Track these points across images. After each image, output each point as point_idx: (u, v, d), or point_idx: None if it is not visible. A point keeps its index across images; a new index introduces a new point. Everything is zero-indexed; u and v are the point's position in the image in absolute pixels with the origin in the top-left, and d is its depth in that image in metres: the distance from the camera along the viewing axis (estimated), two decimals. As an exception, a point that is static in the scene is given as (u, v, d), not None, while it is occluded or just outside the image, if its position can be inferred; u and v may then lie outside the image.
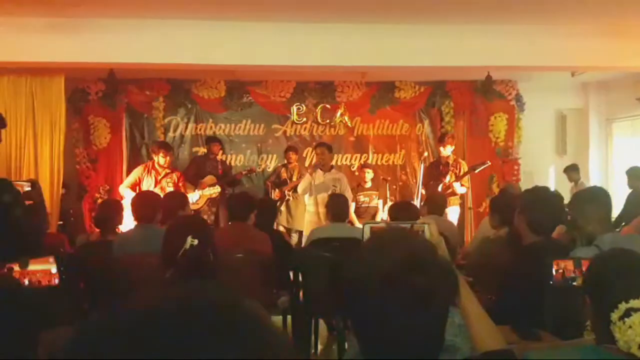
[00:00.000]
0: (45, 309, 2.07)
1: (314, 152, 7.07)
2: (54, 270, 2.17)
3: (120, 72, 6.74)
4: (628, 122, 8.58)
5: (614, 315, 1.46)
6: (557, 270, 2.53)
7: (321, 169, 6.41)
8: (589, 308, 1.62)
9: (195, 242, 1.97)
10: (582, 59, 6.38)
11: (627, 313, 1.44)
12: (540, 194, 3.03)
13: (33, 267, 2.15)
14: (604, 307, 1.51)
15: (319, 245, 4.47)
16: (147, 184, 6.34)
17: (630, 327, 1.42)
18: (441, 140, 6.94)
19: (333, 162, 7.06)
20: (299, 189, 6.57)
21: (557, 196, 2.94)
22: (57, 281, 2.16)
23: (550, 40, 6.15)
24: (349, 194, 6.45)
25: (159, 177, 6.44)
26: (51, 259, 2.19)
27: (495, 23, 6.02)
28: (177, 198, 4.54)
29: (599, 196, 3.36)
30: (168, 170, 6.52)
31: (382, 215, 7.26)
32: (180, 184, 6.54)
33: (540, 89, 7.97)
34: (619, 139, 8.79)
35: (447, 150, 6.80)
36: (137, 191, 6.09)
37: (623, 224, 6.19)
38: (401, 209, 4.56)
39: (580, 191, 3.59)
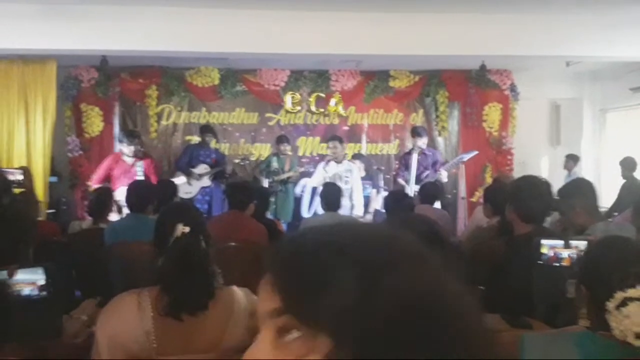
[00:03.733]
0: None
1: (324, 145, 7.47)
2: (41, 282, 2.11)
3: (113, 60, 6.68)
4: (622, 112, 8.59)
5: (610, 304, 1.46)
6: (545, 250, 2.54)
7: (335, 161, 6.68)
8: (584, 295, 1.62)
9: (187, 229, 1.96)
10: (577, 48, 6.38)
11: (624, 302, 1.44)
12: (529, 183, 3.04)
13: (21, 277, 2.09)
14: (600, 295, 1.51)
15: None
16: (117, 175, 6.29)
17: (627, 316, 1.42)
18: (415, 133, 7.00)
19: (325, 152, 7.15)
20: (313, 180, 6.72)
21: (545, 184, 2.93)
22: (45, 294, 2.10)
23: (545, 29, 6.15)
24: (358, 184, 6.58)
25: (129, 167, 6.37)
26: (40, 270, 2.12)
27: (490, 12, 6.00)
28: (169, 186, 4.52)
29: (583, 188, 3.39)
30: (134, 158, 6.41)
31: (376, 205, 7.27)
32: (151, 172, 6.48)
33: (534, 79, 7.98)
34: (613, 129, 8.81)
35: (421, 142, 6.88)
36: (110, 183, 6.12)
37: (615, 213, 6.22)
38: (395, 200, 4.56)
39: (565, 185, 3.62)
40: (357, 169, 6.94)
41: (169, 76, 7.73)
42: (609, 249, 1.65)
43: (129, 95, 7.76)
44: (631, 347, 1.45)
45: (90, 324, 2.32)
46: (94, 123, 7.49)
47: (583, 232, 3.08)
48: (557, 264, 2.47)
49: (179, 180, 6.74)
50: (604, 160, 8.77)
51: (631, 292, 1.45)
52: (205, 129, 7.45)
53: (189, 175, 7.10)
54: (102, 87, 7.45)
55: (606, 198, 6.93)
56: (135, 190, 3.86)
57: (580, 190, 3.43)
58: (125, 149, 6.42)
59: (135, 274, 2.83)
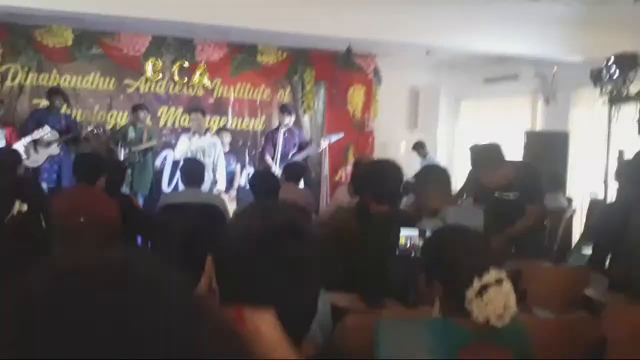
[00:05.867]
0: None
1: (186, 116, 7.36)
2: None
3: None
4: (475, 102, 9.17)
5: (470, 293, 1.51)
6: (402, 240, 2.63)
7: (197, 133, 6.60)
8: (435, 289, 1.67)
9: (25, 207, 1.75)
10: (437, 38, 6.68)
11: (481, 289, 1.51)
12: (381, 166, 3.18)
13: None
14: (454, 286, 1.56)
15: (171, 211, 4.29)
16: None
17: (489, 302, 1.49)
18: (283, 110, 7.17)
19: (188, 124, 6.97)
20: (177, 153, 6.53)
21: (395, 168, 3.07)
22: None
23: (409, 17, 6.36)
24: (222, 159, 6.50)
25: None
26: None
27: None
28: (9, 155, 4.10)
29: (437, 173, 3.60)
30: None
31: (240, 181, 7.19)
32: (14, 141, 5.93)
33: (396, 65, 8.25)
34: (466, 117, 9.38)
35: (289, 120, 7.05)
36: None
37: (464, 197, 6.64)
38: (261, 178, 4.52)
39: (420, 170, 3.82)
40: (221, 144, 6.82)
41: (15, 33, 7.02)
42: (451, 242, 1.72)
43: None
44: (483, 331, 1.52)
45: None
46: None
47: (436, 215, 3.23)
48: (414, 254, 2.57)
49: (22, 147, 6.16)
50: (457, 146, 9.32)
51: (487, 279, 1.53)
52: (55, 92, 6.86)
53: (35, 142, 6.51)
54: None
55: (459, 183, 7.37)
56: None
57: (433, 175, 3.61)
58: None
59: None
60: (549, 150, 7.00)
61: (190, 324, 0.58)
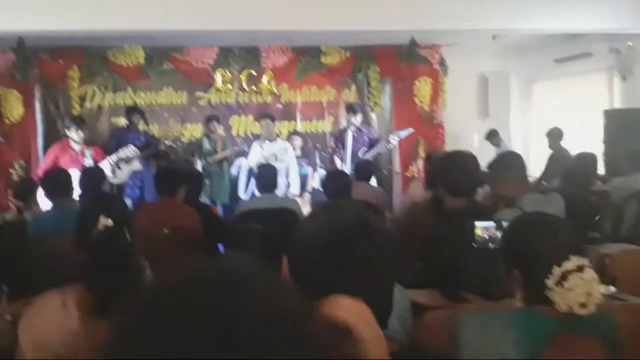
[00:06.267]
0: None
1: (257, 123, 7.42)
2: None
3: (31, 40, 6.31)
4: (548, 83, 8.86)
5: (550, 282, 1.48)
6: (479, 232, 2.59)
7: (268, 139, 6.69)
8: (516, 279, 1.63)
9: (110, 222, 1.85)
10: (503, 21, 6.51)
11: (563, 276, 1.47)
12: (454, 158, 3.09)
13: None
14: (535, 275, 1.53)
15: (249, 217, 4.39)
16: (65, 163, 6.00)
17: (570, 289, 1.45)
18: (350, 110, 7.04)
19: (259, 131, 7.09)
20: (250, 160, 6.64)
21: (470, 158, 2.98)
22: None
23: (471, 2, 6.23)
24: (294, 163, 6.58)
25: (77, 154, 6.11)
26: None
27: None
28: (94, 173, 4.33)
29: (512, 161, 3.49)
30: (83, 146, 6.18)
31: (313, 183, 7.26)
32: (99, 159, 6.23)
33: (463, 53, 8.08)
34: (540, 100, 9.08)
35: (356, 119, 6.94)
36: None
37: (544, 184, 6.44)
38: (332, 179, 4.53)
39: (494, 159, 3.71)
40: (292, 148, 6.92)
41: (90, 56, 7.37)
42: (528, 229, 1.68)
43: (50, 77, 7.36)
44: (569, 320, 1.48)
45: (15, 324, 2.20)
46: (14, 108, 7.07)
47: (513, 204, 3.15)
48: (492, 246, 2.51)
49: (108, 166, 6.46)
50: (532, 131, 9.04)
51: (567, 266, 1.48)
52: (132, 110, 7.18)
53: (118, 160, 6.81)
54: (20, 70, 7.02)
55: (535, 169, 7.15)
56: (55, 179, 3.66)
57: (509, 163, 3.51)
58: (74, 135, 6.11)
59: (60, 270, 2.69)
60: (630, 129, 6.66)
61: (306, 326, 0.61)
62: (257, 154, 6.68)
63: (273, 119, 6.87)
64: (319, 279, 1.05)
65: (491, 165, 3.57)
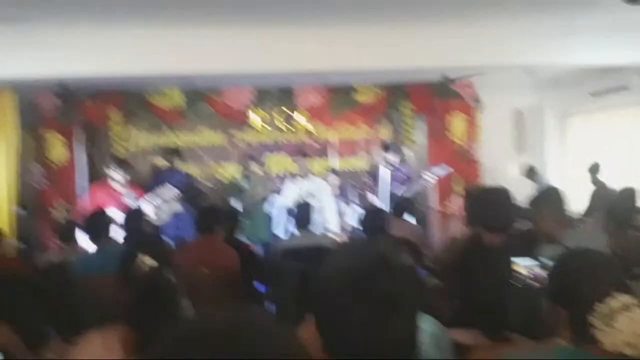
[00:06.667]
0: None
1: (292, 162, 7.43)
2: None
3: (74, 84, 6.54)
4: (583, 117, 8.74)
5: (596, 321, 1.44)
6: (520, 270, 2.55)
7: (304, 178, 6.78)
8: (561, 316, 1.60)
9: (153, 262, 1.89)
10: (536, 56, 6.50)
11: (611, 315, 1.43)
12: (487, 194, 3.07)
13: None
14: (578, 311, 1.50)
15: (288, 255, 4.41)
16: (107, 204, 6.12)
17: (620, 330, 1.41)
18: (384, 147, 7.16)
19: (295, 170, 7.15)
20: (286, 199, 6.69)
21: (503, 193, 2.95)
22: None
23: (504, 38, 6.25)
24: (329, 201, 6.60)
25: (119, 195, 6.23)
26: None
27: (449, 23, 6.07)
28: (137, 215, 4.42)
29: (552, 196, 3.44)
30: (126, 187, 6.31)
31: (349, 221, 7.25)
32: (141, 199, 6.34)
33: (496, 88, 8.06)
34: (576, 134, 8.95)
35: (392, 156, 7.04)
36: None
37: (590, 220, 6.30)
38: (369, 217, 4.52)
39: (536, 195, 3.67)
40: (329, 186, 6.93)
41: (131, 99, 7.59)
42: (574, 265, 1.65)
43: (92, 120, 7.60)
44: (615, 358, 1.44)
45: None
46: (58, 151, 7.31)
47: (553, 240, 3.10)
48: (534, 283, 2.47)
49: (151, 207, 6.59)
50: (568, 165, 8.89)
51: (614, 304, 1.45)
52: (172, 152, 7.32)
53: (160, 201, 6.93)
54: (65, 114, 7.27)
55: (573, 204, 7.02)
56: (97, 220, 3.75)
57: (549, 199, 3.47)
58: (118, 177, 6.26)
59: (104, 310, 2.74)
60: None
61: None
62: (293, 193, 6.72)
63: (308, 157, 6.93)
64: (336, 316, 1.06)
65: (532, 202, 3.53)
